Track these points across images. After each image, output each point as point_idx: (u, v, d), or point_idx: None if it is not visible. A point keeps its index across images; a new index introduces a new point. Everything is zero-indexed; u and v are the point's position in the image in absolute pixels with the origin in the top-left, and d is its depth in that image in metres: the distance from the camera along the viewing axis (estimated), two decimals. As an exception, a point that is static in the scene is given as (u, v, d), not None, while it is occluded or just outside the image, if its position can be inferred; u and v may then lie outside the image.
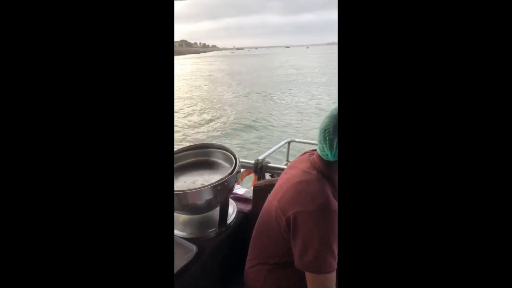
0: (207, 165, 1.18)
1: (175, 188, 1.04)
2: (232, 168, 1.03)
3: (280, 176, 1.02)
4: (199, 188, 0.93)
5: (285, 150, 2.69)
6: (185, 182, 1.08)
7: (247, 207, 1.19)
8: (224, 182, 0.96)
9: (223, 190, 0.97)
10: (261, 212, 0.96)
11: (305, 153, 1.04)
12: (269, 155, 2.50)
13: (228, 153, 1.15)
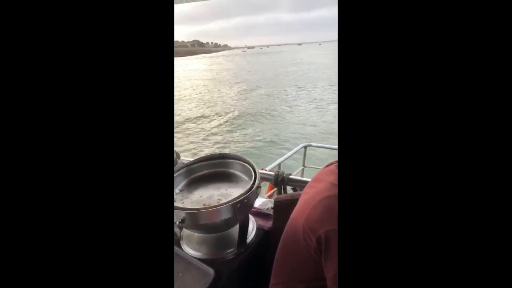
0: (225, 177, 1.08)
1: (189, 204, 0.95)
2: (252, 182, 0.93)
3: (304, 190, 0.92)
4: (217, 206, 0.84)
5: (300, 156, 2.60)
6: (200, 196, 0.99)
7: (267, 224, 1.09)
8: (244, 199, 0.87)
9: (243, 208, 0.87)
10: (285, 231, 0.86)
11: (331, 164, 0.93)
12: (285, 160, 2.41)
13: (246, 164, 1.05)
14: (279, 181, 1.14)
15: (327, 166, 0.94)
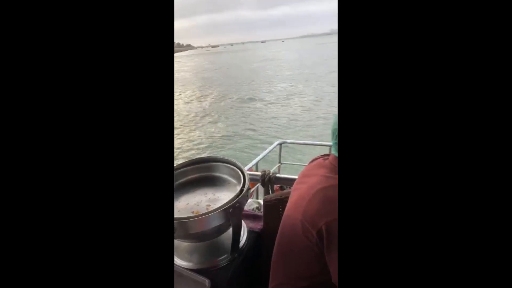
0: (210, 181, 1.04)
1: (177, 212, 0.90)
2: (242, 184, 0.90)
3: (294, 187, 0.91)
4: (208, 213, 0.80)
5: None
6: (187, 203, 0.94)
7: (258, 225, 1.07)
8: (236, 203, 0.83)
9: (235, 212, 0.84)
10: (280, 230, 0.85)
11: (315, 159, 0.93)
12: (261, 158, 2.41)
13: (232, 166, 1.01)
14: (266, 181, 1.12)
15: (312, 161, 0.94)
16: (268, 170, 1.14)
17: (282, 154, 2.73)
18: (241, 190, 0.88)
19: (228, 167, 1.03)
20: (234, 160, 1.03)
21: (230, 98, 12.84)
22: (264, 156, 2.47)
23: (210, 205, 0.92)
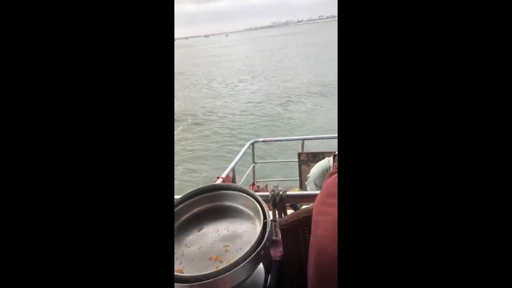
0: (218, 213, 0.88)
1: (190, 264, 0.74)
2: (263, 215, 0.77)
3: (320, 209, 0.80)
4: (238, 264, 0.65)
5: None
6: (200, 247, 0.78)
7: (277, 253, 0.94)
8: (266, 242, 0.70)
9: (266, 253, 0.71)
10: (316, 263, 0.74)
11: (335, 172, 0.84)
12: (237, 162, 2.28)
13: (241, 193, 0.87)
14: (278, 201, 1.00)
15: (333, 174, 0.85)
16: (276, 187, 1.03)
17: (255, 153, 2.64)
18: (265, 222, 0.75)
19: (235, 194, 0.89)
20: (239, 186, 0.89)
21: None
22: (239, 159, 2.34)
23: (228, 245, 0.77)
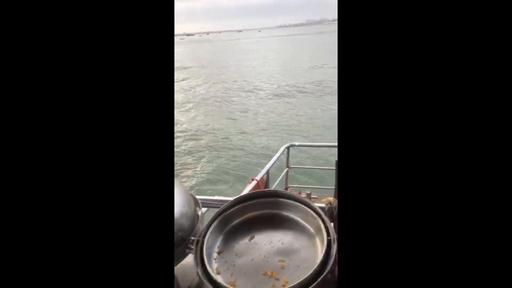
0: (273, 222, 0.80)
1: (244, 277, 0.66)
2: (326, 232, 0.68)
3: None
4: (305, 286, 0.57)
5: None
6: (252, 259, 0.71)
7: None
8: (334, 264, 0.61)
9: (332, 277, 0.62)
10: None
11: None
12: (272, 165, 2.20)
13: (305, 206, 0.78)
14: (335, 215, 0.90)
15: None
16: (333, 199, 0.93)
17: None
18: (329, 240, 0.66)
19: (293, 204, 0.80)
20: (301, 197, 0.80)
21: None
22: (274, 162, 2.26)
23: (284, 261, 0.69)
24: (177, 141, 7.02)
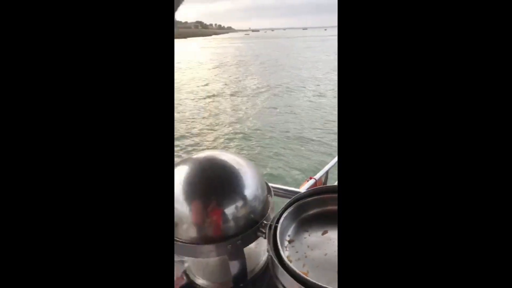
0: (329, 219, 0.75)
1: (316, 270, 0.63)
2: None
3: None
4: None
5: None
6: (326, 254, 0.67)
7: None
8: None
9: None
10: None
11: None
12: (333, 165, 2.06)
13: None
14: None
15: None
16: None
17: None
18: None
19: None
20: None
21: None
22: (331, 167, 2.11)
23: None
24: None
